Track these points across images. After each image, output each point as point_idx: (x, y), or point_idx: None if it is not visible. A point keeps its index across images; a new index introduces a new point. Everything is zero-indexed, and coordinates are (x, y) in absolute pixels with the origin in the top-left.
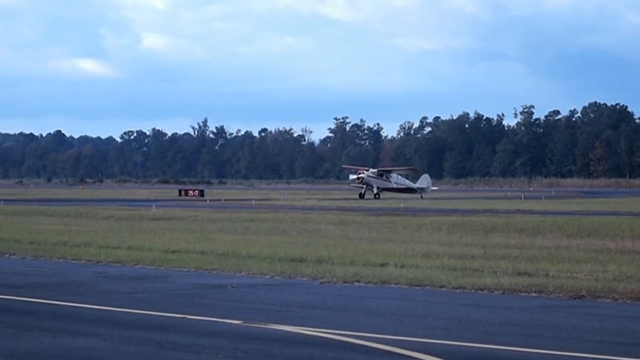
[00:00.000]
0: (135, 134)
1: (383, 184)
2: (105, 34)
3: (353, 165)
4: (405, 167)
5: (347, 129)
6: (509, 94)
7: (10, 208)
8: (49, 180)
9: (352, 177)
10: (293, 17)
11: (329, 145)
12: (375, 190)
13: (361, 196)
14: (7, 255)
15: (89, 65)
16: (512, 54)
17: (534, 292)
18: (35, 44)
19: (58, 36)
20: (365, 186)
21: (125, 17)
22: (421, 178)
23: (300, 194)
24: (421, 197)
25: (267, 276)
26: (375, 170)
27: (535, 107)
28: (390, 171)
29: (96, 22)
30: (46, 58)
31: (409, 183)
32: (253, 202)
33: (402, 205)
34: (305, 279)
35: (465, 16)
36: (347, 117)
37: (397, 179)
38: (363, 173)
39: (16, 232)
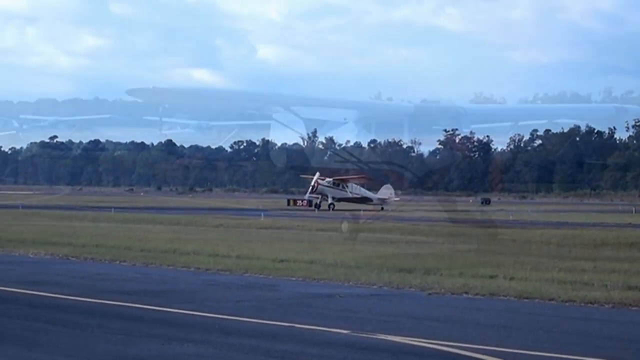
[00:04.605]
0: (244, 144)
1: (339, 193)
2: (220, 45)
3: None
4: (359, 176)
5: (457, 140)
6: (621, 108)
7: (120, 216)
8: (159, 188)
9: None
10: (407, 29)
11: (437, 157)
12: (329, 200)
13: (317, 207)
14: (118, 262)
15: (202, 75)
16: (627, 68)
17: None
18: (150, 54)
19: (173, 46)
20: (320, 196)
21: (240, 29)
22: (382, 188)
23: (408, 204)
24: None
25: (375, 286)
26: (331, 179)
27: None
28: (346, 180)
29: (211, 33)
30: (160, 68)
31: (365, 192)
32: (362, 212)
33: (511, 217)
34: (413, 289)
35: (581, 29)
36: (456, 129)
37: (353, 189)
38: (317, 182)
39: (127, 239)
